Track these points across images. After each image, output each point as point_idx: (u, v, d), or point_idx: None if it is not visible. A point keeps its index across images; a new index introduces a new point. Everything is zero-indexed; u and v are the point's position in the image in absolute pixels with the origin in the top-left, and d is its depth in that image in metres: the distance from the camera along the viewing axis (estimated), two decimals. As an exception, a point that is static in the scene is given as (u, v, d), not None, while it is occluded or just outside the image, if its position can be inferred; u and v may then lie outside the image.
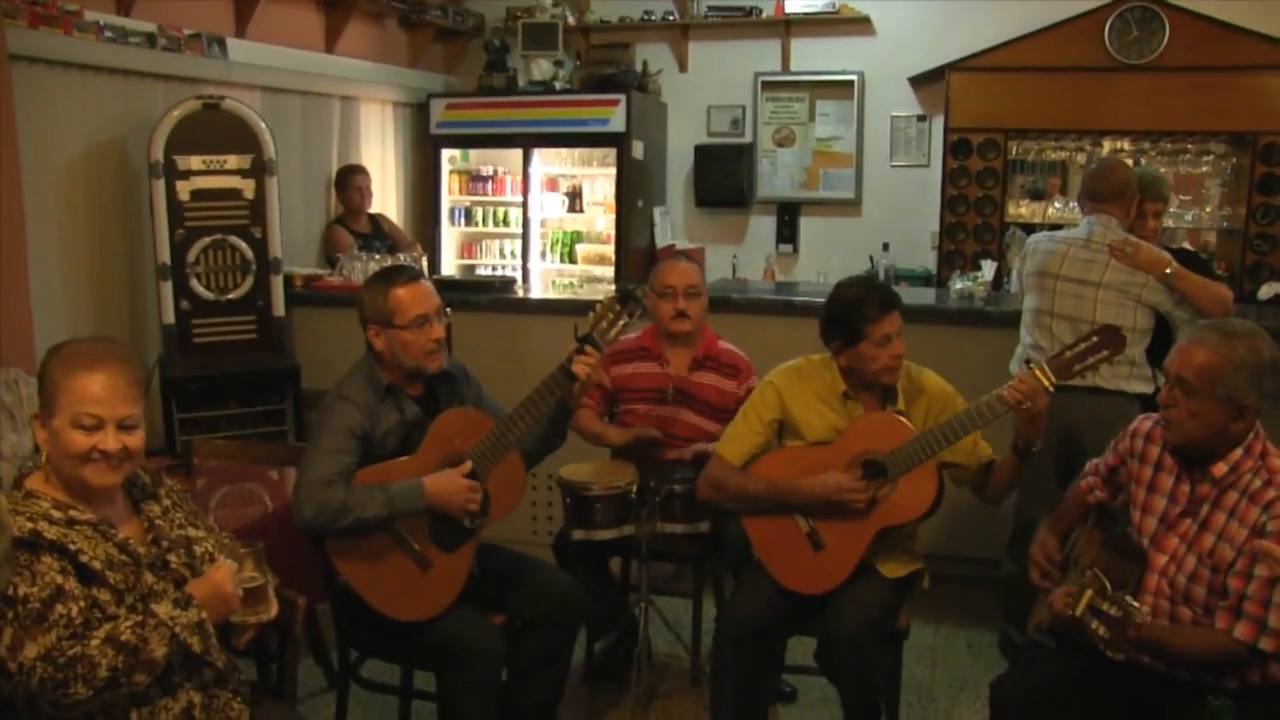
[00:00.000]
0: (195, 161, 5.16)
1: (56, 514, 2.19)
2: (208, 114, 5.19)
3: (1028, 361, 3.02)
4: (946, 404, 3.22)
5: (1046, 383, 2.95)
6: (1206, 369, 2.54)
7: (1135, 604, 2.41)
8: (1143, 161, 6.59)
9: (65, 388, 2.21)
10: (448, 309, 3.23)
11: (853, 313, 3.14)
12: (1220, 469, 2.58)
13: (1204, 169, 6.85)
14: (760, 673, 3.24)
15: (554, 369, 3.15)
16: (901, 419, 3.18)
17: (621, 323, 3.20)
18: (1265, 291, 5.77)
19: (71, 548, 2.15)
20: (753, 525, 3.29)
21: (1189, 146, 6.80)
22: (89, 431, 2.21)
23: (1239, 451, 2.57)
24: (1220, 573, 2.53)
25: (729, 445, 3.31)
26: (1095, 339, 2.97)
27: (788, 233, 8.01)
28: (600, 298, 3.27)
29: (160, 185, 5.07)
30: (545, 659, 3.29)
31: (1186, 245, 5.93)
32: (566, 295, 5.77)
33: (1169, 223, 6.42)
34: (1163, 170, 6.09)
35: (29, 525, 2.14)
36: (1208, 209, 6.82)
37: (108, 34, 5.18)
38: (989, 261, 6.05)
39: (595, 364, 3.18)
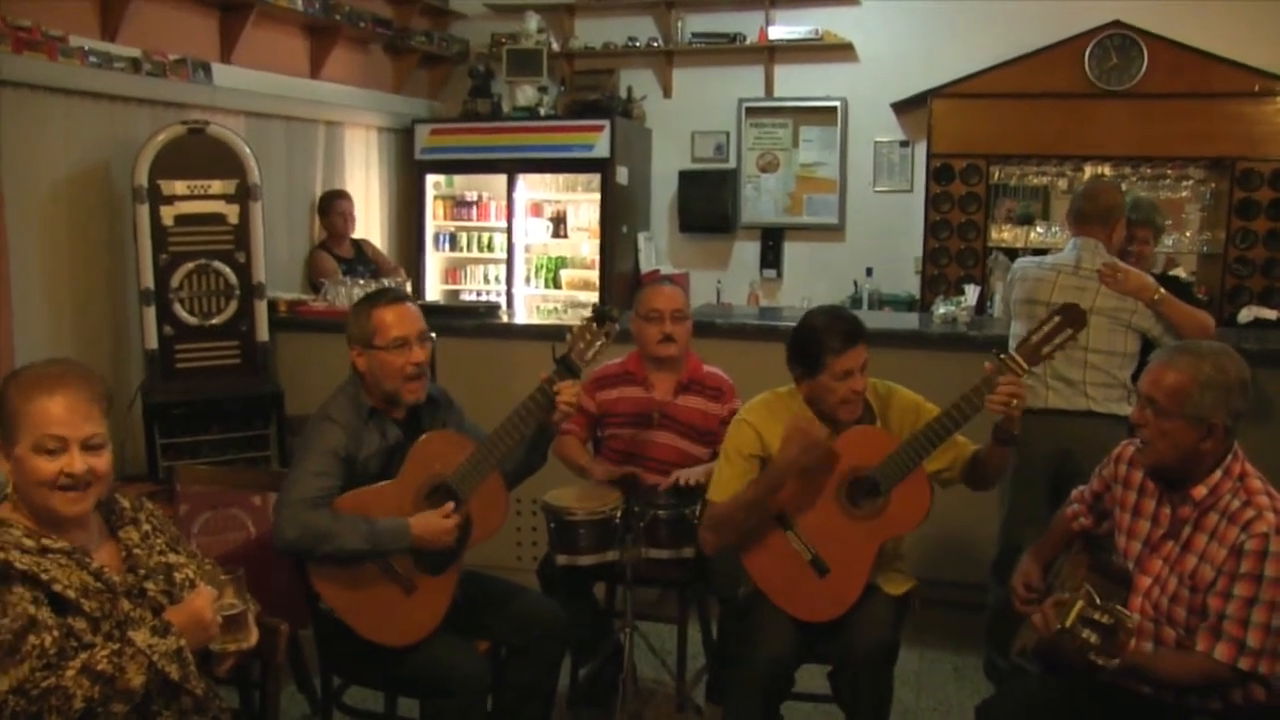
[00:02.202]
0: (179, 186, 5.15)
1: (29, 542, 2.16)
2: (192, 139, 5.19)
3: (998, 353, 3.01)
4: (918, 414, 3.20)
5: (1019, 370, 2.97)
6: (1174, 388, 2.57)
7: (1126, 611, 2.42)
8: (1124, 187, 6.64)
9: (25, 413, 2.18)
10: (433, 334, 3.22)
11: (815, 343, 3.11)
12: (1200, 491, 2.59)
13: (1184, 194, 6.91)
14: (778, 707, 3.23)
15: (533, 390, 3.15)
16: (882, 430, 3.19)
17: (599, 343, 3.19)
18: (1245, 315, 5.80)
19: (44, 577, 2.12)
20: (753, 564, 3.23)
21: (1169, 172, 6.85)
22: (53, 456, 2.18)
23: (1218, 473, 2.58)
24: (1200, 593, 2.54)
25: (719, 491, 3.25)
26: (1058, 319, 2.99)
27: (772, 258, 8.04)
28: (577, 320, 3.27)
29: (144, 210, 5.06)
30: (531, 686, 3.27)
31: (1180, 272, 5.97)
32: (551, 321, 5.77)
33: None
34: (1143, 194, 6.16)
35: (0, 555, 2.11)
36: (1188, 234, 6.87)
37: (92, 59, 5.18)
38: (972, 286, 6.07)
39: (578, 392, 3.17)
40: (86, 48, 5.16)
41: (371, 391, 3.15)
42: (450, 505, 3.06)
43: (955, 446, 3.21)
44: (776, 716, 3.24)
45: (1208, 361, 2.57)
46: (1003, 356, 3.00)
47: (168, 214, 5.13)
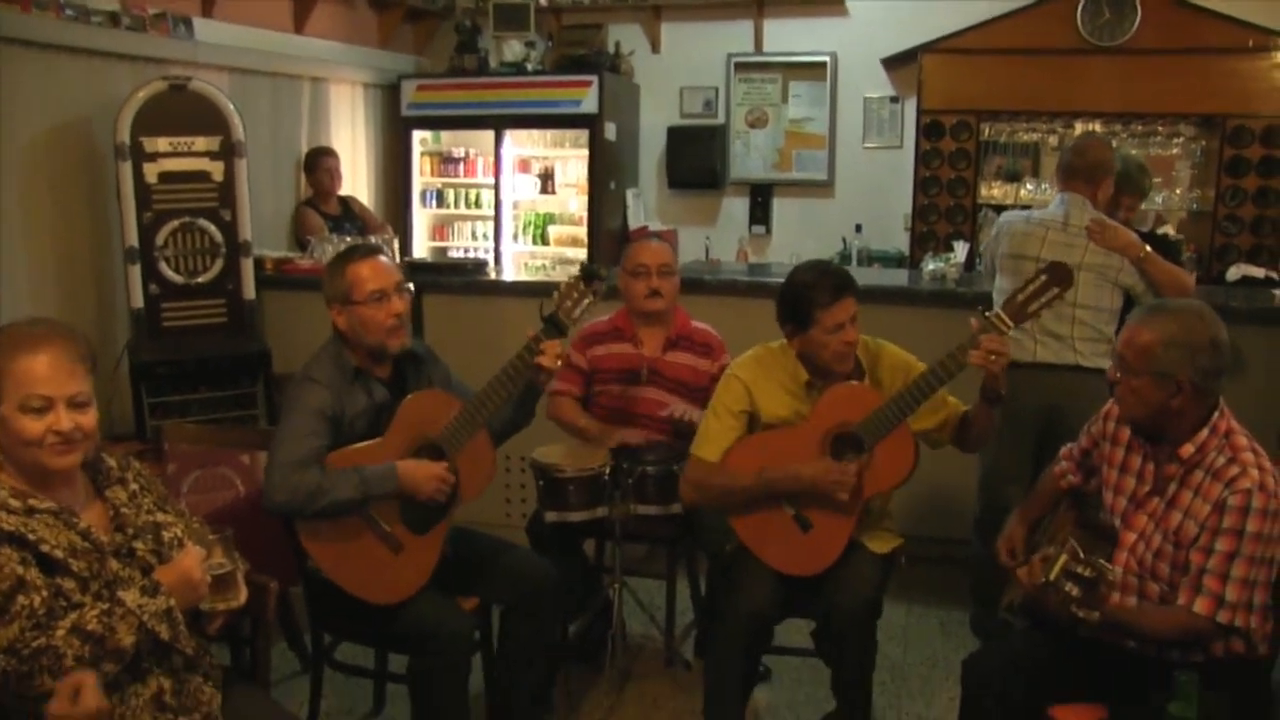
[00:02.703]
0: (162, 143, 5.10)
1: (15, 503, 2.15)
2: (174, 95, 5.12)
3: (983, 310, 3.02)
4: (908, 372, 3.20)
5: (1003, 328, 2.98)
6: (1141, 346, 2.59)
7: (1108, 564, 2.44)
8: (1114, 144, 6.62)
9: (9, 372, 2.16)
10: (409, 284, 3.20)
11: (804, 298, 3.11)
12: (1188, 449, 2.60)
13: (1174, 151, 6.89)
14: (758, 660, 3.25)
15: (520, 349, 3.14)
16: (867, 387, 3.19)
17: (586, 301, 3.18)
18: (1233, 273, 5.80)
19: (31, 537, 2.12)
20: (738, 518, 3.26)
21: (1159, 129, 6.83)
22: (40, 414, 2.16)
23: (1205, 431, 2.60)
24: (1184, 549, 2.56)
25: (705, 446, 3.27)
26: (1044, 278, 2.99)
27: (760, 214, 8.02)
28: (565, 278, 3.26)
29: (127, 168, 5.01)
30: (530, 644, 3.28)
31: (1169, 229, 5.97)
32: (539, 277, 5.75)
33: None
34: (1134, 152, 6.14)
35: None
36: (1178, 191, 6.86)
37: (69, 12, 5.08)
38: (961, 243, 6.06)
39: (561, 352, 3.16)
40: (62, 0, 5.07)
41: (355, 349, 3.13)
42: (444, 463, 3.07)
43: (946, 407, 3.22)
44: (756, 668, 3.26)
45: (1176, 320, 2.58)
46: (988, 314, 3.01)
47: (151, 171, 5.07)
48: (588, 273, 3.20)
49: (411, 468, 3.03)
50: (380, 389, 3.16)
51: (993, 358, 2.94)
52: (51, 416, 2.18)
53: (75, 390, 2.21)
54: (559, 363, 3.16)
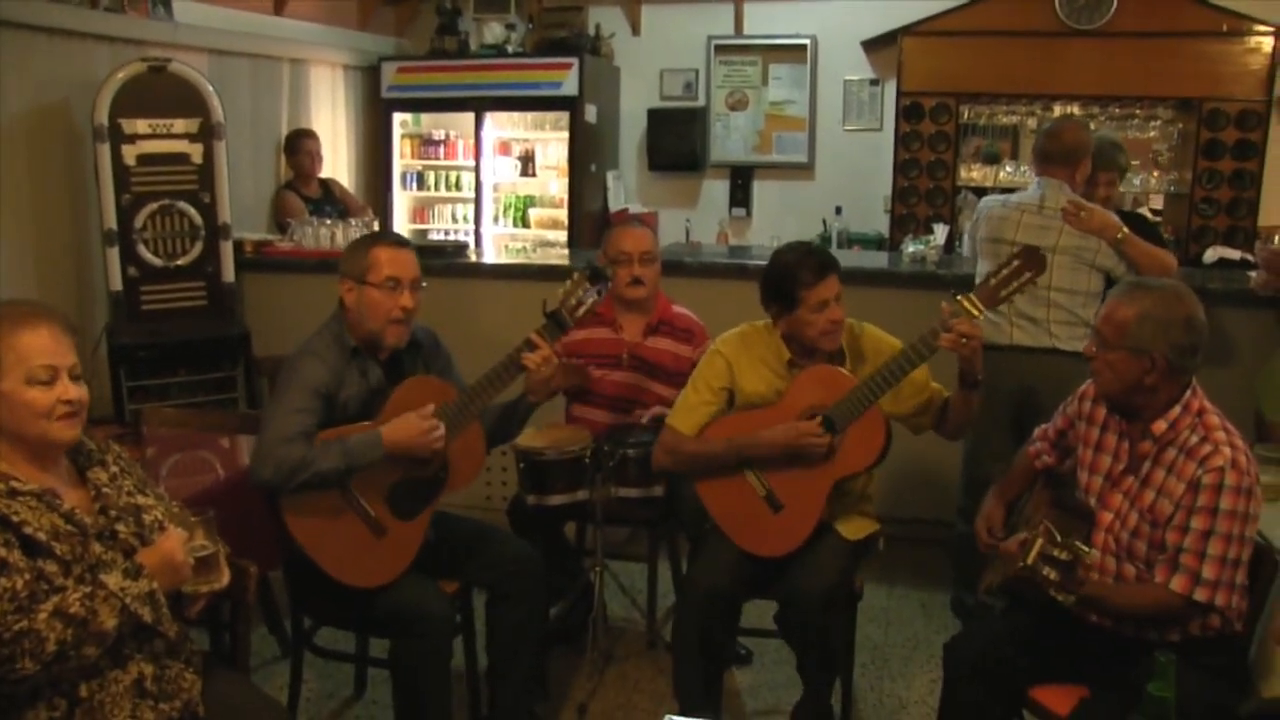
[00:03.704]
0: (141, 125, 5.08)
1: (-2, 485, 2.15)
2: (153, 77, 5.11)
3: (954, 294, 3.03)
4: (889, 354, 3.20)
5: (975, 311, 2.99)
6: (1117, 321, 2.63)
7: (1084, 547, 2.47)
8: (1092, 126, 6.65)
9: (9, 346, 2.18)
10: (424, 284, 3.20)
11: (788, 279, 3.14)
12: (1160, 426, 2.63)
13: (1152, 134, 6.92)
14: (724, 637, 3.27)
15: (520, 343, 3.14)
16: (841, 370, 3.20)
17: (590, 300, 3.19)
18: (1210, 255, 5.84)
19: (14, 519, 2.11)
20: (708, 493, 3.29)
21: (1137, 111, 6.87)
22: (47, 386, 2.19)
23: (1177, 409, 2.63)
24: (1160, 528, 2.59)
25: (681, 416, 3.31)
26: (1017, 262, 3.00)
27: (741, 196, 8.04)
28: (567, 269, 3.25)
29: (105, 149, 4.99)
30: (517, 630, 3.27)
31: (1145, 211, 5.99)
32: (519, 260, 5.75)
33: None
34: (1105, 135, 6.15)
35: None
36: (1154, 174, 6.89)
37: (46, -8, 5.06)
38: (941, 225, 6.09)
39: (547, 356, 3.14)
40: (40, -20, 5.04)
41: (355, 329, 3.13)
42: (430, 406, 3.05)
43: (927, 391, 3.25)
44: (721, 647, 3.28)
45: (1152, 296, 2.62)
46: (959, 297, 3.02)
47: (130, 153, 5.06)
48: (595, 273, 3.20)
49: (396, 425, 3.00)
50: (376, 371, 3.16)
51: (964, 341, 2.96)
52: (60, 387, 2.21)
53: (74, 361, 2.26)
54: (541, 368, 3.14)
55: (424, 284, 3.18)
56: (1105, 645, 2.67)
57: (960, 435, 3.36)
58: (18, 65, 4.95)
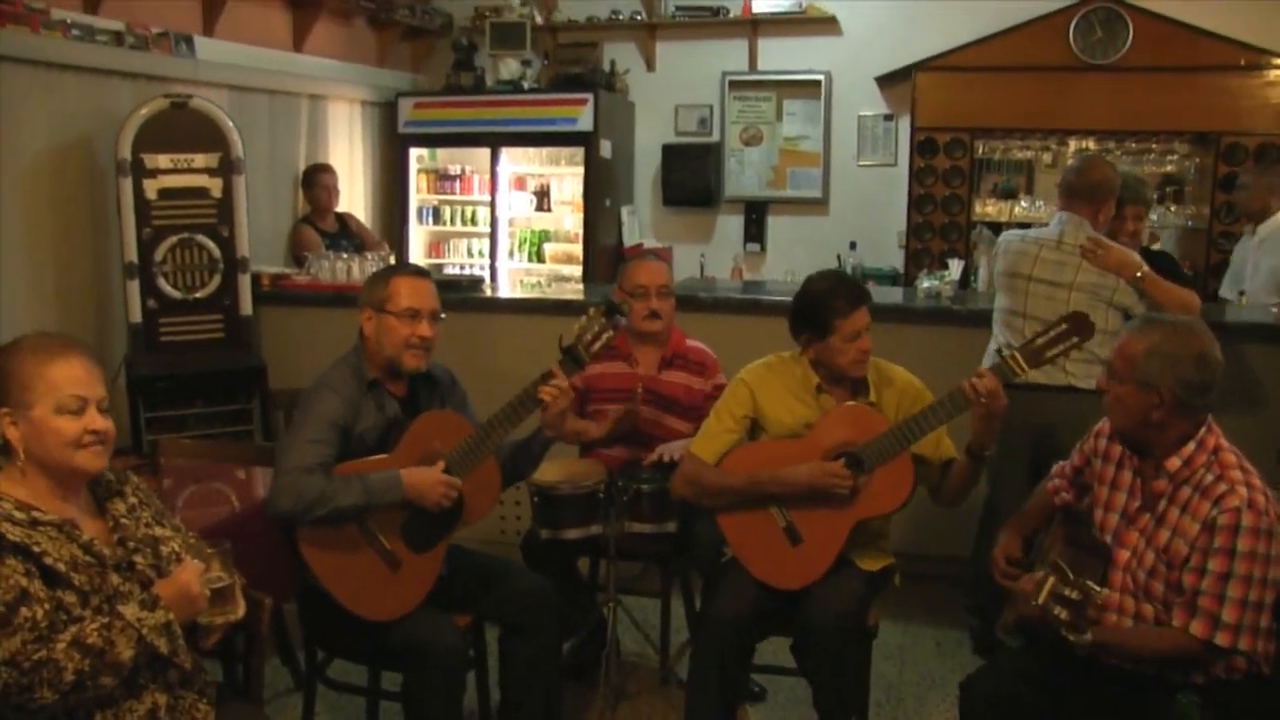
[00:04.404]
0: (163, 160, 5.14)
1: (19, 515, 2.17)
2: (175, 112, 5.17)
3: (999, 351, 3.06)
4: (916, 398, 3.25)
5: (1019, 370, 3.00)
6: (1127, 354, 2.63)
7: (1096, 587, 2.45)
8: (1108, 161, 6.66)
9: (42, 376, 2.21)
10: (443, 315, 3.22)
11: (822, 307, 3.17)
12: (1174, 463, 2.61)
13: (1168, 168, 6.92)
14: (739, 673, 3.26)
15: (536, 377, 3.14)
16: (874, 410, 3.21)
17: (606, 336, 3.19)
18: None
19: (35, 549, 2.13)
20: (728, 523, 3.28)
21: (1153, 146, 6.87)
22: (76, 415, 2.22)
23: (1192, 446, 2.61)
24: (1176, 568, 2.56)
25: (703, 444, 3.31)
26: (1065, 326, 3.01)
27: (755, 231, 8.05)
28: (582, 304, 3.26)
29: (127, 184, 5.05)
30: (532, 665, 3.26)
31: (1158, 245, 5.97)
32: (534, 294, 5.77)
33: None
34: (1126, 168, 6.15)
35: None
36: (1172, 208, 6.89)
37: (75, 32, 5.15)
38: (956, 260, 6.08)
39: (563, 390, 3.14)
40: (69, 20, 5.13)
41: (374, 359, 3.16)
42: (442, 463, 3.07)
43: (939, 443, 3.24)
44: (739, 681, 3.27)
45: (1161, 331, 2.61)
46: (1003, 354, 3.05)
47: (151, 188, 5.11)
48: (611, 308, 3.22)
49: (416, 475, 3.02)
50: (393, 405, 3.18)
51: (982, 393, 2.96)
52: (87, 417, 2.24)
53: (103, 394, 2.29)
54: (558, 401, 3.13)
55: (443, 316, 3.20)
56: (1125, 686, 2.63)
57: (954, 504, 3.32)
58: (46, 102, 5.02)
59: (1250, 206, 5.60)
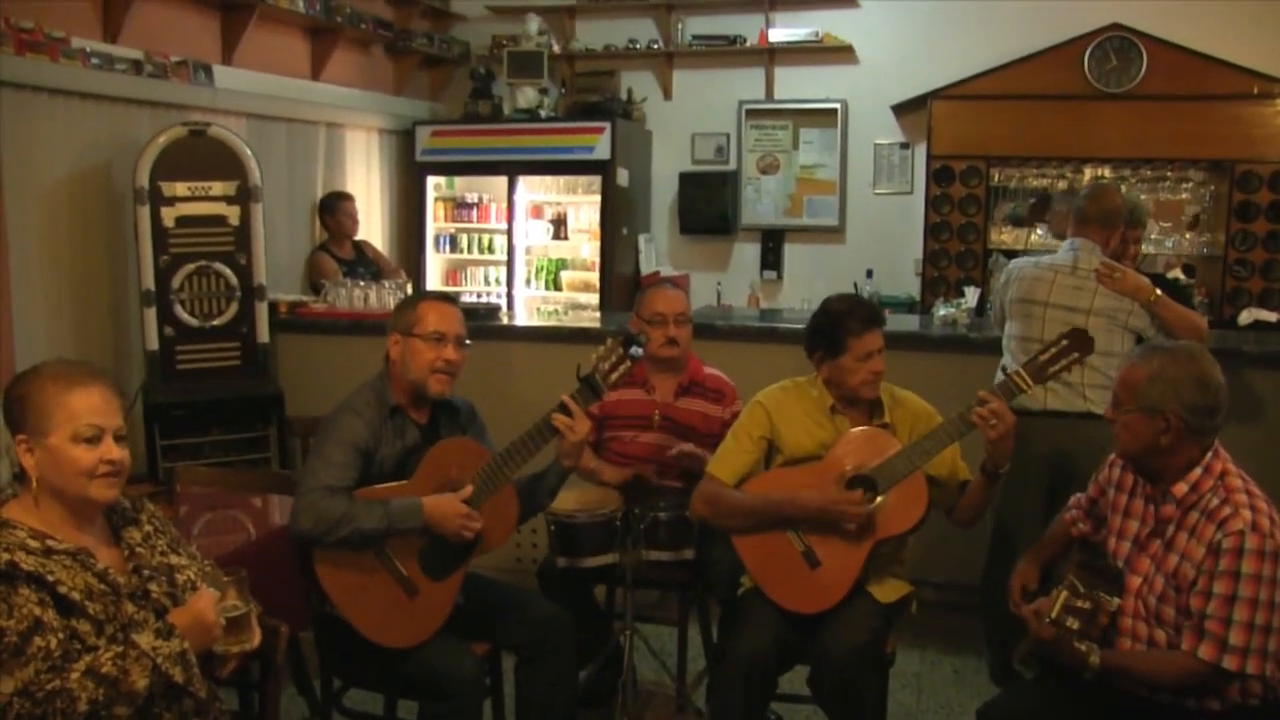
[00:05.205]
0: (180, 188, 5.17)
1: (34, 544, 2.16)
2: (193, 140, 5.20)
3: (1004, 368, 3.08)
4: (928, 420, 3.28)
5: (1025, 386, 3.07)
6: (1131, 381, 2.64)
7: (1106, 596, 2.45)
8: (1123, 189, 6.65)
9: (61, 404, 2.21)
10: (468, 342, 3.24)
11: (837, 325, 3.22)
12: (1181, 489, 2.61)
13: (1183, 196, 6.92)
14: (763, 706, 3.24)
15: (554, 407, 3.14)
16: (886, 433, 3.23)
17: (624, 366, 3.20)
18: (1245, 317, 5.82)
19: (50, 578, 2.13)
20: (745, 546, 3.28)
21: (1168, 174, 6.87)
22: (92, 445, 2.21)
23: (1198, 471, 2.61)
24: (1184, 593, 2.55)
25: (720, 464, 3.33)
26: (1065, 342, 3.07)
27: (772, 259, 8.05)
28: (599, 332, 3.26)
29: (145, 211, 5.08)
30: (548, 693, 3.25)
31: (1179, 274, 5.97)
32: (551, 322, 5.77)
33: (1149, 249, 6.48)
34: (1143, 197, 6.16)
35: (5, 556, 2.11)
36: (1187, 235, 6.88)
37: (94, 61, 5.20)
38: (972, 288, 6.08)
39: (580, 419, 3.13)
40: (88, 49, 5.18)
41: (398, 383, 3.18)
42: (469, 489, 3.07)
43: (953, 465, 3.26)
44: (761, 714, 3.26)
45: (1162, 356, 2.63)
46: (1008, 372, 3.08)
47: (169, 215, 5.15)
48: (629, 339, 3.22)
49: (437, 503, 3.03)
50: (413, 432, 3.19)
51: (992, 423, 2.98)
52: (104, 447, 2.23)
53: (120, 423, 2.28)
54: (572, 430, 3.12)
55: (468, 342, 3.22)
56: (1140, 713, 2.62)
57: (969, 524, 3.33)
58: (64, 130, 5.06)
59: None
